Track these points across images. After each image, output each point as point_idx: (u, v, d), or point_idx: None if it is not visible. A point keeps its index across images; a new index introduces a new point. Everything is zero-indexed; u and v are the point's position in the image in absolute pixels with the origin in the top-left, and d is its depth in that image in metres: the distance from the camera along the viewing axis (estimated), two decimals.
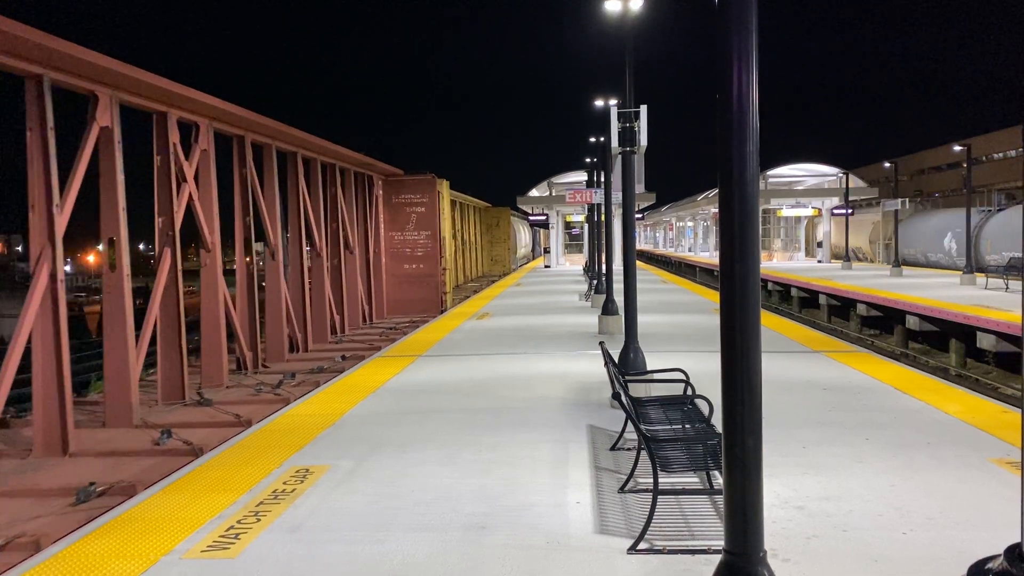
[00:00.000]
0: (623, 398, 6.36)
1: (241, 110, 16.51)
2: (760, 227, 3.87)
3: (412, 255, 29.59)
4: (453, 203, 38.20)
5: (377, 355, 15.15)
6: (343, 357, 18.52)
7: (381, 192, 29.16)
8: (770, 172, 50.71)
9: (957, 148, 43.38)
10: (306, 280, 21.35)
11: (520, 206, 51.65)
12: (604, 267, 19.87)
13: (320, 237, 22.59)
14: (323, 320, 22.50)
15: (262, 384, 15.06)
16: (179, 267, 14.36)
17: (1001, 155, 68.32)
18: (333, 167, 24.62)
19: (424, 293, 29.30)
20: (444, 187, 31.18)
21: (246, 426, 11.16)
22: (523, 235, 75.36)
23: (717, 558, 3.93)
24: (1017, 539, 3.32)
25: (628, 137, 11.43)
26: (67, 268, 65.73)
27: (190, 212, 15.21)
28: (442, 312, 26.85)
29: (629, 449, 7.61)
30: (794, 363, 12.85)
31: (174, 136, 14.49)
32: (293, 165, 20.94)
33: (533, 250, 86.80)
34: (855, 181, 49.42)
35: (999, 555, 3.17)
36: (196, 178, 15.41)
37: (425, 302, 29.17)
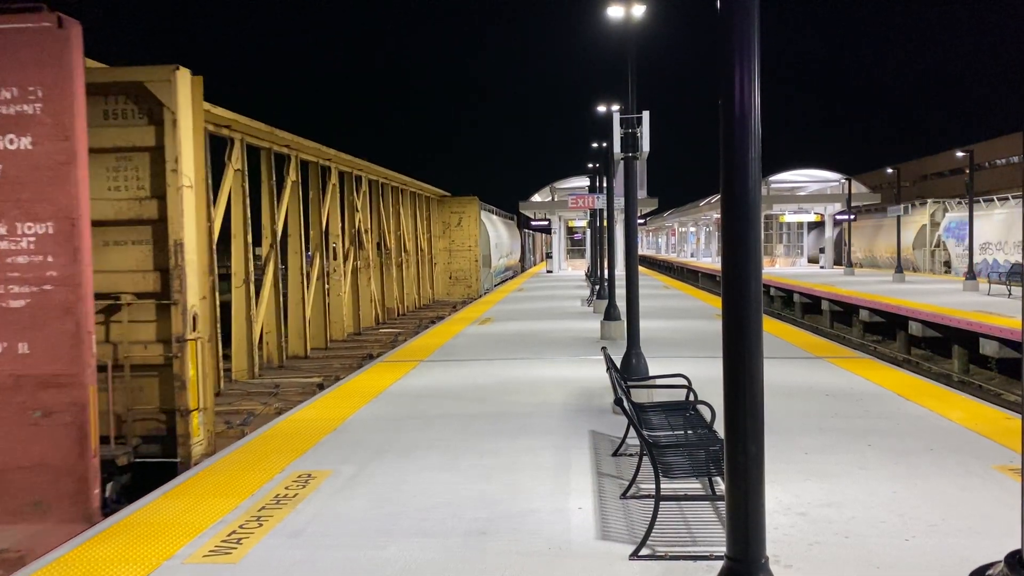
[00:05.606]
0: (625, 404, 6.36)
1: None
2: (762, 233, 3.89)
3: None
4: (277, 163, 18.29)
5: (379, 360, 15.15)
6: None
7: None
8: (772, 178, 50.74)
9: (960, 154, 43.42)
10: None
11: (523, 211, 51.64)
12: (606, 272, 19.88)
13: None
14: None
15: None
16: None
17: (1004, 161, 68.25)
18: None
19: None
20: (183, 86, 10.24)
21: None
22: (504, 238, 52.25)
23: (719, 564, 3.93)
24: (1018, 546, 3.31)
25: (630, 143, 11.44)
26: None
27: None
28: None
29: (631, 455, 7.60)
30: (796, 369, 12.84)
31: None
32: None
33: (523, 259, 67.91)
34: (857, 187, 49.43)
35: (999, 561, 3.17)
36: None
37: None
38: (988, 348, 18.91)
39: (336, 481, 7.19)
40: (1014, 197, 38.18)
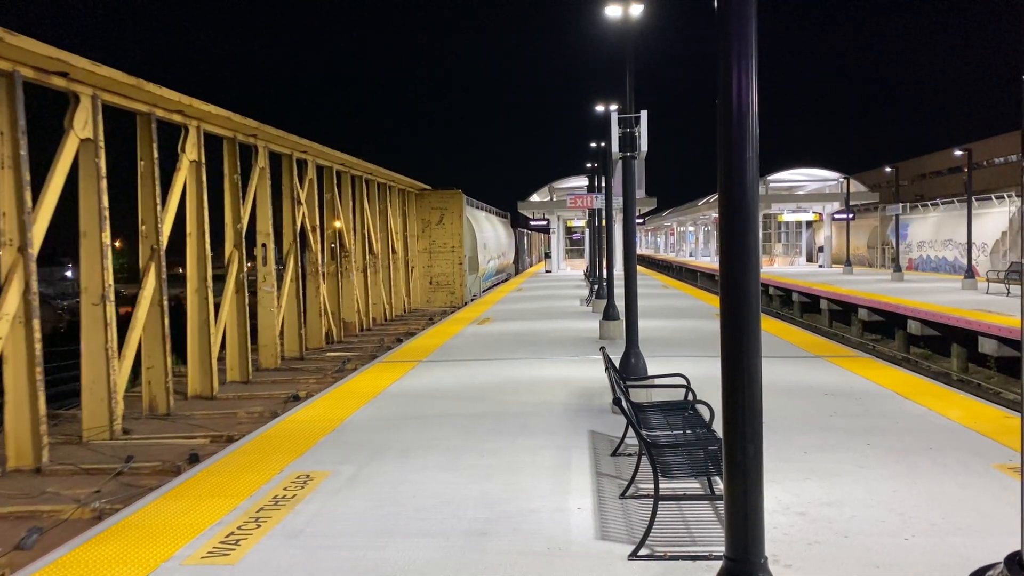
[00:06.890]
0: (624, 403, 6.35)
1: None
2: (760, 232, 3.88)
3: None
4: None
5: (378, 360, 15.14)
6: None
7: None
8: (771, 177, 50.73)
9: (958, 153, 43.40)
10: None
11: (521, 211, 51.61)
12: (605, 272, 19.87)
13: None
14: None
15: None
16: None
17: (1003, 160, 68.25)
18: None
19: None
20: None
21: None
22: (494, 238, 46.86)
23: (718, 564, 3.92)
24: (1018, 547, 3.30)
25: (628, 142, 11.43)
26: (68, 274, 65.98)
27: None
28: None
29: (630, 455, 7.60)
30: (795, 368, 12.83)
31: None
32: None
33: (518, 260, 62.80)
34: (856, 186, 49.42)
35: (999, 563, 3.15)
36: None
37: None
38: (987, 347, 18.93)
39: (335, 482, 7.18)
40: (945, 202, 46.81)
